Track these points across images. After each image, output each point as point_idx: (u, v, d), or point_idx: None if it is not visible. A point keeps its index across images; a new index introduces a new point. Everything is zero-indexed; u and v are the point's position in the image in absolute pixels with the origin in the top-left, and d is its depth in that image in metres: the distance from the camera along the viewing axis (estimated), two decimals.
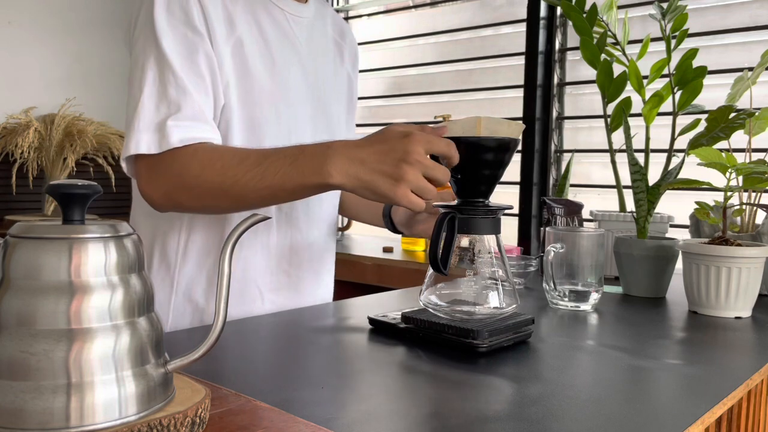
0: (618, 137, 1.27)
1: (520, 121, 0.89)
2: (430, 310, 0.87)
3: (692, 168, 1.16)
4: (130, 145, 0.89)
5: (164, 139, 0.88)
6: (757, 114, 1.16)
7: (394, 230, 1.19)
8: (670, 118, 1.27)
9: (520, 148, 2.17)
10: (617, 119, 1.31)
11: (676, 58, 1.25)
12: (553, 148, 2.21)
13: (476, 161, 0.83)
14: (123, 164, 0.93)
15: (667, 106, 1.29)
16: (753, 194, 1.22)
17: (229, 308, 1.00)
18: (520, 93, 2.25)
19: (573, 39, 2.18)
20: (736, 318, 1.08)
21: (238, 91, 0.98)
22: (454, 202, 0.87)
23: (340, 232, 2.62)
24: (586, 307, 1.08)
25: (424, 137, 0.79)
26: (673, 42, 1.26)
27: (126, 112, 0.92)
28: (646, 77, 1.30)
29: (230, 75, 0.97)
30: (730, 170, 1.06)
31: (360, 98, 1.28)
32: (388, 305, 1.08)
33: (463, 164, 0.83)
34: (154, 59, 0.91)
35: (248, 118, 0.99)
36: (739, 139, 1.18)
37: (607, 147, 1.34)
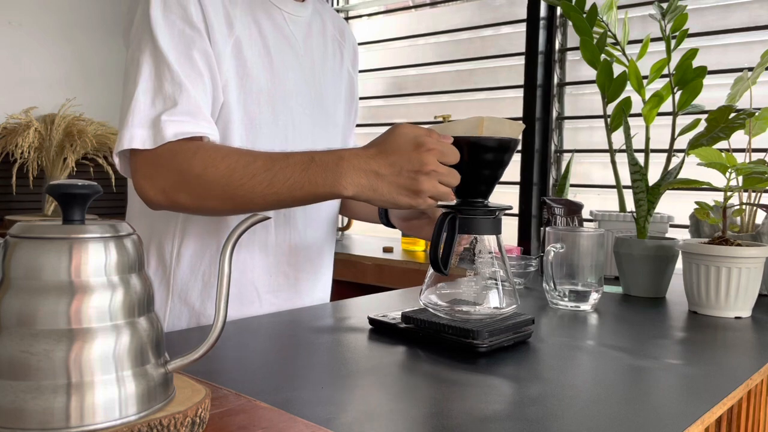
0: (618, 137, 1.27)
1: (521, 121, 0.90)
2: (430, 310, 0.87)
3: (692, 168, 1.16)
4: (123, 140, 0.87)
5: (159, 134, 0.86)
6: (757, 114, 1.16)
7: (388, 223, 1.17)
8: (670, 118, 1.27)
9: (519, 147, 2.17)
10: (617, 119, 1.31)
11: (676, 58, 1.25)
12: (553, 148, 2.21)
13: (477, 161, 0.84)
14: (116, 159, 0.91)
15: (667, 106, 1.29)
16: (753, 194, 1.22)
17: (228, 309, 1.01)
18: (520, 93, 2.25)
19: (573, 39, 2.18)
20: (736, 318, 1.08)
21: (237, 91, 0.98)
22: (454, 202, 0.87)
23: (340, 232, 2.62)
24: (586, 307, 1.08)
25: (437, 147, 0.81)
26: (673, 42, 1.26)
27: (121, 107, 0.91)
28: (646, 77, 1.30)
29: (230, 74, 0.96)
30: (730, 170, 1.06)
31: (360, 98, 1.28)
32: (388, 305, 1.08)
33: (464, 164, 0.83)
34: (150, 54, 0.90)
35: (247, 118, 0.99)
36: (739, 139, 1.18)
37: (607, 147, 1.34)
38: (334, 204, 1.17)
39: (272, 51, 1.03)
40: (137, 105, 0.88)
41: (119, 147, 0.88)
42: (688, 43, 1.29)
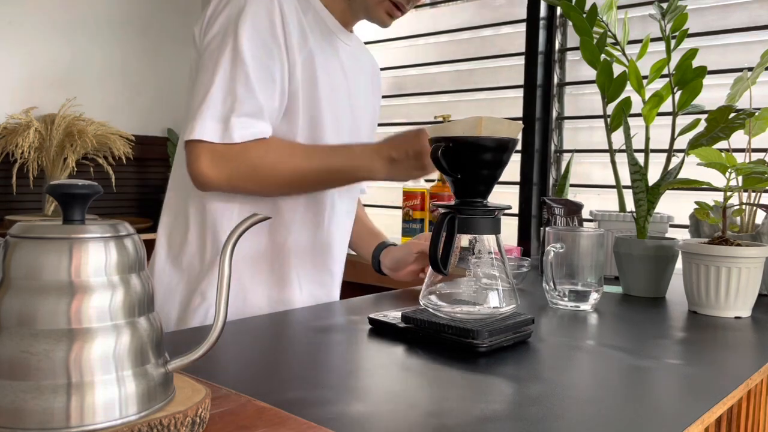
0: (618, 137, 1.27)
1: (519, 121, 0.91)
2: (430, 310, 0.87)
3: (692, 168, 1.16)
4: (195, 129, 0.98)
5: (226, 132, 0.98)
6: (756, 114, 1.16)
7: (379, 271, 1.32)
8: (670, 118, 1.27)
9: (519, 147, 2.17)
10: (617, 119, 1.31)
11: (676, 58, 1.25)
12: (553, 148, 2.21)
13: (476, 161, 0.84)
14: (182, 143, 1.03)
15: (667, 106, 1.29)
16: (753, 194, 1.22)
17: (270, 293, 1.12)
18: (520, 93, 2.24)
19: (573, 39, 2.17)
20: (736, 318, 1.08)
21: (304, 95, 1.08)
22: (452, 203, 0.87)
23: None
24: (586, 307, 1.08)
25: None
26: (673, 42, 1.26)
27: (192, 98, 1.02)
28: (645, 77, 1.30)
29: (300, 81, 1.07)
30: (729, 170, 1.06)
31: None
32: (388, 305, 1.08)
33: (462, 164, 0.83)
34: (230, 57, 1.00)
35: (310, 119, 1.10)
36: (739, 139, 1.18)
37: (607, 147, 1.34)
38: (354, 211, 1.29)
39: (330, 67, 1.14)
40: (210, 99, 0.98)
41: (190, 135, 0.98)
42: (688, 43, 1.29)
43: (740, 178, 1.08)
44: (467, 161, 0.83)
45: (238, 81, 0.99)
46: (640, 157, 1.23)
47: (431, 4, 2.60)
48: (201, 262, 1.11)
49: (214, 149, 0.99)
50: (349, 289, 2.06)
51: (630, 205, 1.29)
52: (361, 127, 1.23)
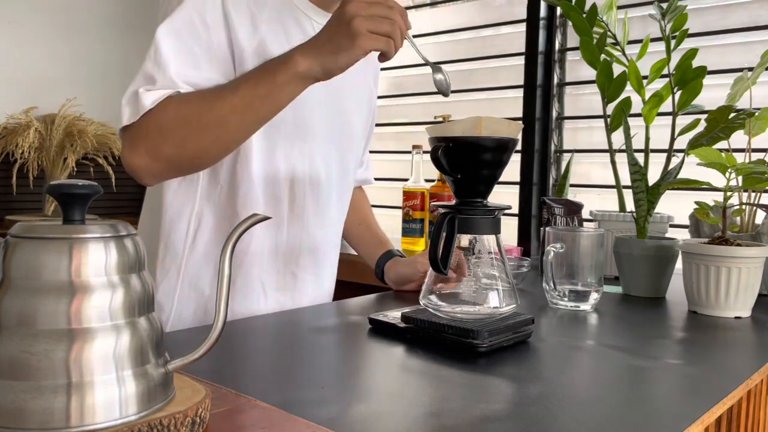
0: (618, 137, 1.27)
1: (519, 121, 0.91)
2: (430, 310, 0.87)
3: (692, 168, 1.16)
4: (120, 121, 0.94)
5: (136, 107, 0.91)
6: (756, 114, 1.16)
7: (381, 280, 1.28)
8: (670, 118, 1.27)
9: (519, 147, 2.16)
10: (617, 119, 1.31)
11: (675, 58, 1.25)
12: (553, 148, 2.21)
13: (476, 161, 0.84)
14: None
15: (666, 106, 1.29)
16: (753, 194, 1.22)
17: (232, 305, 1.04)
18: (520, 93, 2.24)
19: (573, 39, 2.17)
20: (736, 318, 1.08)
21: None
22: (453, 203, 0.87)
23: None
24: (586, 307, 1.08)
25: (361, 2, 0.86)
26: (673, 42, 1.26)
27: None
28: (645, 77, 1.30)
29: (251, 68, 0.99)
30: (729, 170, 1.06)
31: None
32: (388, 305, 1.08)
33: (462, 164, 0.84)
34: (152, 42, 0.95)
35: None
36: (738, 139, 1.18)
37: (607, 147, 1.34)
38: (343, 207, 1.22)
39: None
40: (129, 88, 0.94)
41: (118, 128, 0.95)
42: (688, 43, 1.29)
43: (740, 178, 1.08)
44: (467, 161, 0.83)
45: (149, 58, 0.94)
46: (640, 157, 1.23)
47: (431, 4, 2.60)
48: (160, 269, 1.07)
49: (131, 131, 0.94)
50: (349, 289, 2.06)
51: (630, 205, 1.29)
52: (348, 107, 1.16)
